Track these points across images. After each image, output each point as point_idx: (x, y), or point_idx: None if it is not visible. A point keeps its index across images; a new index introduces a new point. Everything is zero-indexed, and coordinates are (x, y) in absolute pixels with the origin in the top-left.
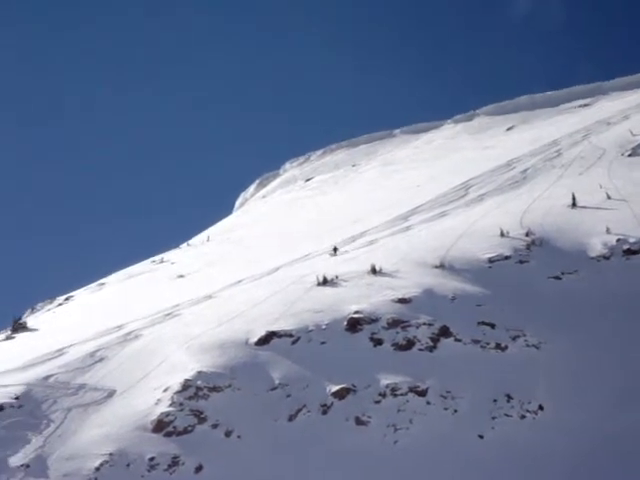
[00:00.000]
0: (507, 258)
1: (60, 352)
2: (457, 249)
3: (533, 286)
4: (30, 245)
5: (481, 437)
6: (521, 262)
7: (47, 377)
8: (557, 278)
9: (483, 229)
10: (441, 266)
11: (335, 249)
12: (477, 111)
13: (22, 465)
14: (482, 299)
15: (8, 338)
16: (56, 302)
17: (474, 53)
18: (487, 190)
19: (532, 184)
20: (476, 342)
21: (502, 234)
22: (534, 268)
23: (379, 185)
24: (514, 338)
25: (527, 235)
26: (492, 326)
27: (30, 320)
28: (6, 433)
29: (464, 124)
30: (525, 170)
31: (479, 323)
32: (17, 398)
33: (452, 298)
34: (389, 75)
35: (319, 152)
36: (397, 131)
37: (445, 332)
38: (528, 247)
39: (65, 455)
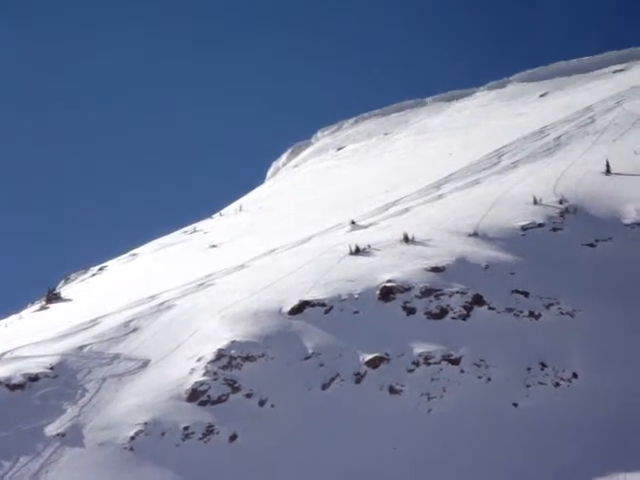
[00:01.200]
0: (540, 226)
1: (94, 322)
2: (490, 217)
3: (567, 254)
4: (64, 216)
5: (515, 405)
6: (555, 230)
7: (81, 347)
8: (591, 245)
9: (516, 197)
10: (474, 234)
11: (353, 222)
12: (510, 78)
13: (58, 434)
14: (515, 267)
15: (42, 308)
16: (90, 272)
17: (507, 19)
18: (520, 157)
19: (565, 151)
20: (509, 310)
21: (535, 202)
22: (568, 236)
23: (411, 153)
24: (548, 306)
25: (561, 202)
26: (526, 294)
27: (64, 290)
28: (42, 403)
29: (497, 91)
30: (558, 137)
31: (512, 291)
32: (52, 368)
33: (485, 266)
34: (421, 42)
35: (351, 121)
36: (429, 99)
37: (478, 300)
38: (562, 214)
39: (100, 425)
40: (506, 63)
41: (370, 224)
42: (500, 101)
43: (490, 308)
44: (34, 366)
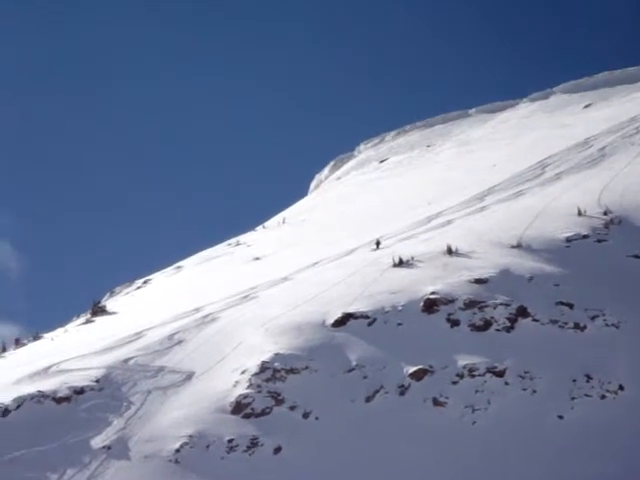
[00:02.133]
0: (585, 237)
1: (139, 335)
2: (534, 228)
3: (612, 265)
4: (109, 229)
5: (560, 417)
6: (599, 241)
7: (126, 360)
8: (636, 257)
9: (560, 208)
10: (518, 246)
11: (378, 243)
12: (554, 89)
13: (104, 447)
14: (560, 279)
15: (88, 322)
16: (134, 285)
17: (551, 29)
18: (564, 169)
19: (610, 162)
20: (554, 322)
21: (580, 213)
22: (613, 247)
23: (454, 165)
24: (593, 318)
25: (605, 214)
26: (570, 306)
27: (109, 303)
28: (88, 415)
29: (540, 102)
30: (603, 148)
31: (557, 303)
32: (98, 381)
33: (529, 278)
34: (464, 54)
35: (393, 133)
36: (472, 111)
37: (523, 312)
38: (606, 226)
39: (145, 437)
40: (550, 74)
41: (413, 236)
42: (543, 112)
43: (534, 320)
44: (80, 379)
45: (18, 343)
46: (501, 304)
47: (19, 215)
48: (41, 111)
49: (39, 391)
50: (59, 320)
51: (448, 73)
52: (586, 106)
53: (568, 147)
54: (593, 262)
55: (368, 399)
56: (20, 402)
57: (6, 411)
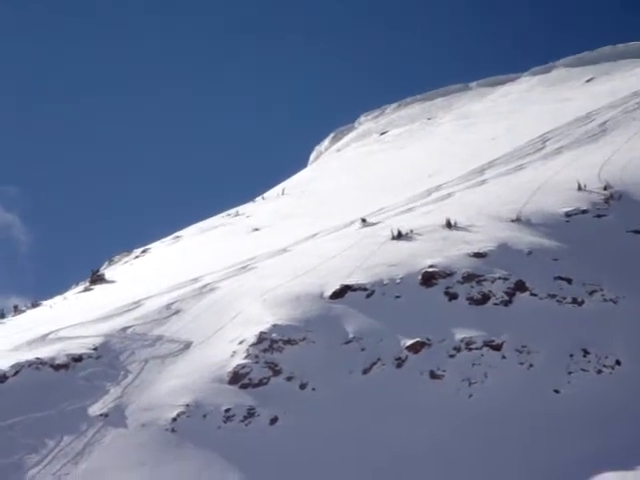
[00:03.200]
0: (584, 212)
1: (137, 304)
2: (533, 203)
3: (611, 240)
4: (107, 197)
5: (557, 392)
6: (599, 216)
7: (124, 328)
8: (636, 232)
9: (560, 183)
10: (517, 220)
11: (364, 220)
12: (555, 63)
13: (101, 415)
14: (559, 253)
15: (86, 290)
16: (133, 254)
17: (553, 2)
18: (565, 143)
19: (611, 137)
20: (552, 297)
21: (580, 188)
22: (612, 222)
23: (455, 139)
24: (591, 293)
25: (605, 189)
26: (569, 281)
27: (108, 272)
28: (85, 383)
29: (541, 76)
30: (604, 123)
31: (555, 278)
32: (95, 349)
33: (528, 252)
34: (464, 27)
35: (394, 105)
36: (473, 84)
37: (521, 287)
38: (606, 201)
39: (143, 405)
40: (551, 48)
41: (412, 209)
42: (545, 86)
43: (532, 294)
44: (78, 347)
45: (16, 310)
46: (499, 278)
47: (24, 186)
48: (49, 84)
49: (37, 358)
50: (58, 288)
51: (449, 46)
52: (588, 80)
53: (569, 121)
54: (592, 237)
55: (365, 371)
56: (18, 368)
57: (4, 377)
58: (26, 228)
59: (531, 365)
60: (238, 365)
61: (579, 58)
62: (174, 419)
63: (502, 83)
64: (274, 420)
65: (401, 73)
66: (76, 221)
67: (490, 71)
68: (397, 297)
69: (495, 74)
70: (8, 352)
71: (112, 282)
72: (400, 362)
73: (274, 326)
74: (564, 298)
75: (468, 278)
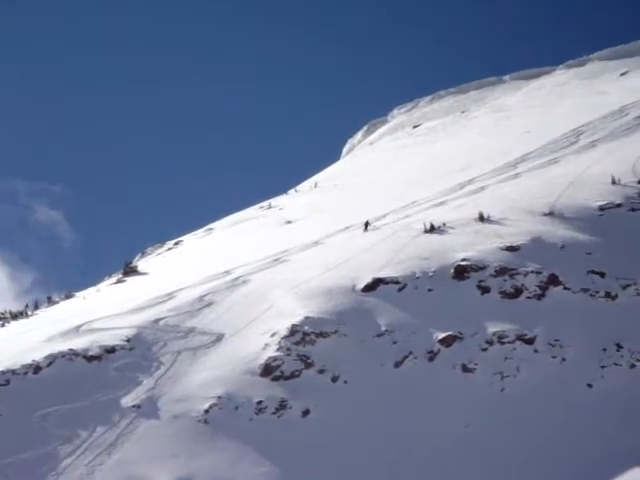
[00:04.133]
0: (619, 206)
1: (170, 296)
2: (567, 197)
3: None
4: (142, 191)
5: (590, 386)
6: (633, 210)
7: (157, 320)
8: None
9: (594, 176)
10: (550, 214)
11: (366, 224)
12: (590, 56)
13: (134, 406)
14: (592, 247)
15: (119, 281)
16: (166, 246)
17: None
18: (599, 137)
19: None
20: (585, 291)
21: (614, 182)
22: None
23: (488, 132)
24: (625, 287)
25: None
26: (602, 275)
27: (140, 264)
28: (118, 374)
29: (576, 69)
30: (639, 116)
31: (589, 272)
32: (128, 340)
33: (561, 246)
34: (500, 20)
35: (427, 98)
36: (507, 77)
37: (554, 280)
38: None
39: (175, 397)
40: (586, 41)
41: (444, 202)
42: (579, 80)
43: (565, 288)
44: (111, 338)
45: (50, 301)
46: (532, 272)
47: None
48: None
49: (70, 349)
50: (91, 280)
51: (483, 39)
52: (622, 74)
53: (603, 115)
54: (626, 231)
55: (397, 364)
56: (52, 359)
57: (38, 368)
58: (69, 226)
59: (564, 359)
60: (270, 357)
61: (614, 51)
62: (206, 411)
63: (536, 76)
64: (306, 412)
65: (435, 66)
66: (113, 215)
67: (524, 64)
68: (429, 290)
69: (529, 67)
70: (42, 343)
71: (145, 274)
72: (432, 356)
73: (306, 319)
74: (597, 292)
75: (501, 272)
